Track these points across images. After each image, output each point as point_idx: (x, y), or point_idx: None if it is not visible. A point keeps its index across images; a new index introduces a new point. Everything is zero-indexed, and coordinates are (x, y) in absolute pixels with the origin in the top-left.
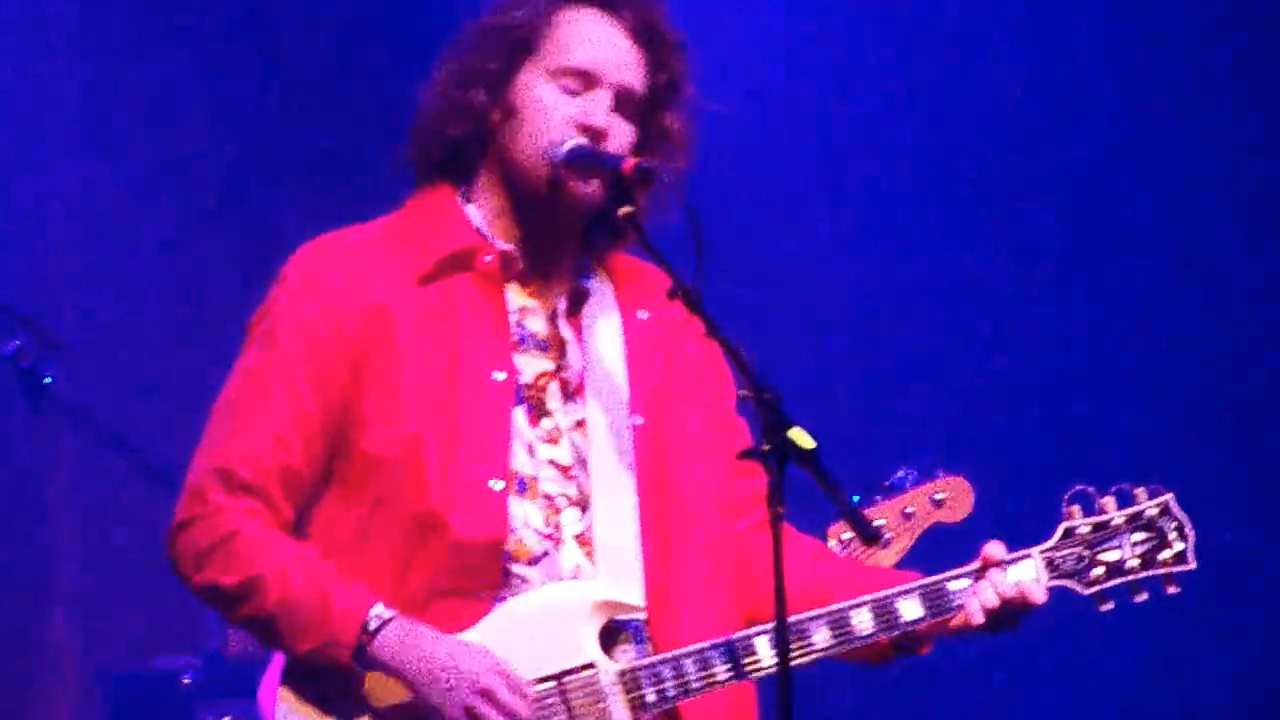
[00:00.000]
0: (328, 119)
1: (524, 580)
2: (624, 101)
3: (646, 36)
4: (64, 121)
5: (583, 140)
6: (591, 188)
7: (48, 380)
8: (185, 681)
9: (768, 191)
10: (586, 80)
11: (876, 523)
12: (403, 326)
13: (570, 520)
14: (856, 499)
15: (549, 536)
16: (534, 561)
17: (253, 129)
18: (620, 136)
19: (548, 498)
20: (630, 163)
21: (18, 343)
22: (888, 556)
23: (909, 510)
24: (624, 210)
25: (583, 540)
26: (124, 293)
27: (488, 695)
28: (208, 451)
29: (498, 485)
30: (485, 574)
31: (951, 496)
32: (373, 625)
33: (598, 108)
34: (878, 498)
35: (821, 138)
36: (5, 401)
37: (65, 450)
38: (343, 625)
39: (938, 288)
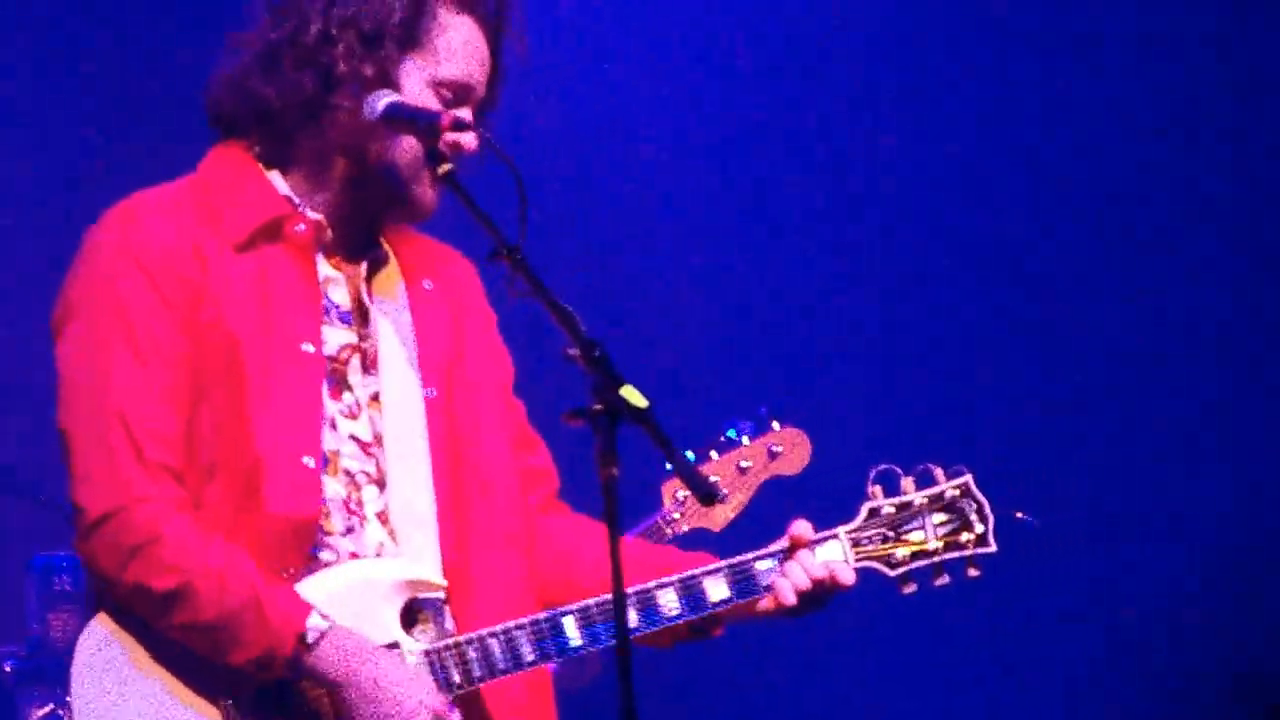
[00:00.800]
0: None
1: (333, 558)
2: (476, 108)
3: (496, 43)
4: None
5: (396, 95)
6: (409, 145)
7: None
8: (6, 669)
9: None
10: (459, 93)
11: (712, 479)
12: (223, 295)
13: (370, 497)
14: (691, 456)
15: (352, 514)
16: (341, 538)
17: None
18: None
19: (348, 474)
20: (448, 118)
21: None
22: (724, 512)
23: (745, 464)
24: (444, 168)
25: (384, 518)
26: None
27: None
28: (107, 432)
29: (310, 462)
30: (297, 552)
31: (788, 448)
32: (310, 637)
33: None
34: (713, 453)
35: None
36: None
37: None
38: (280, 638)
39: (766, 239)
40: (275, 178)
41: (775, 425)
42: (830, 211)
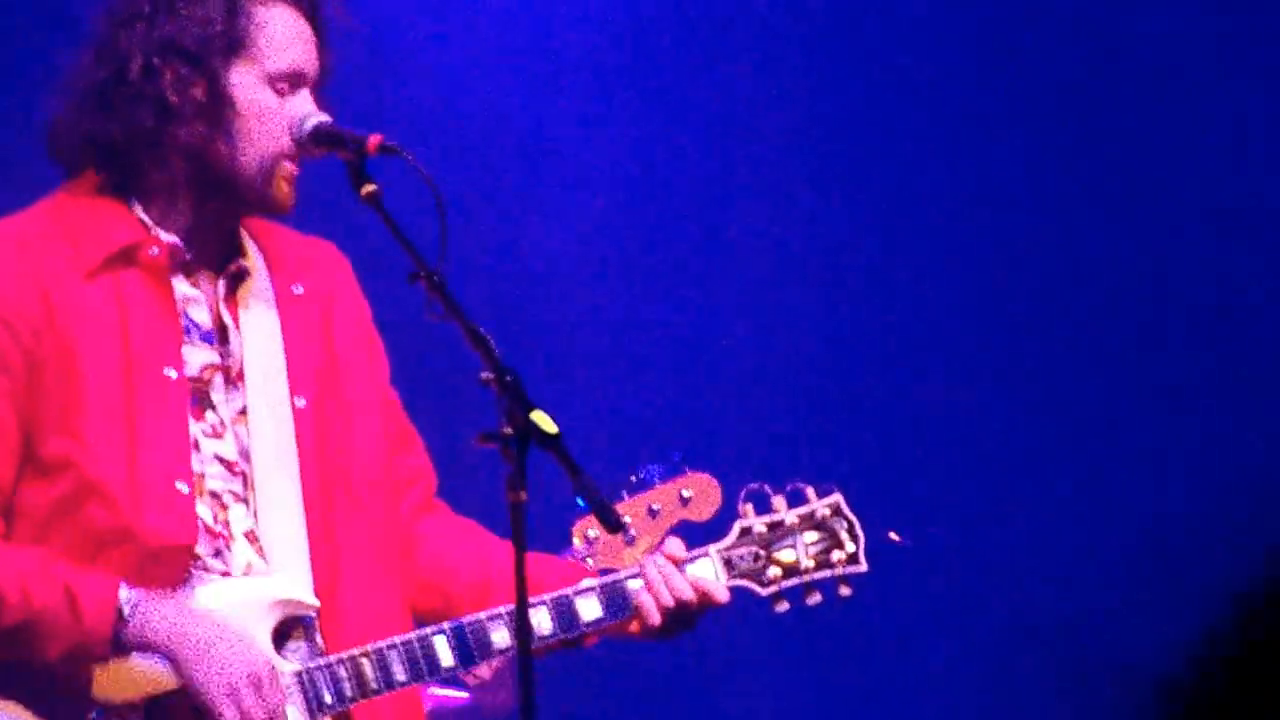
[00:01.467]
0: None
1: (202, 581)
2: (314, 88)
3: (318, 21)
4: None
5: (324, 117)
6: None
7: None
8: None
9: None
10: (294, 81)
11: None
12: (74, 324)
13: (238, 517)
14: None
15: (219, 535)
16: (215, 557)
17: None
18: None
19: (214, 495)
20: (375, 140)
21: None
22: (633, 554)
23: (655, 506)
24: (367, 189)
25: (252, 536)
26: None
27: (255, 684)
28: None
29: (184, 487)
30: (171, 577)
31: (699, 494)
32: (126, 610)
33: (307, 105)
34: (624, 493)
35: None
36: None
37: None
38: (96, 620)
39: (686, 276)
40: (132, 204)
41: (686, 470)
42: (753, 260)
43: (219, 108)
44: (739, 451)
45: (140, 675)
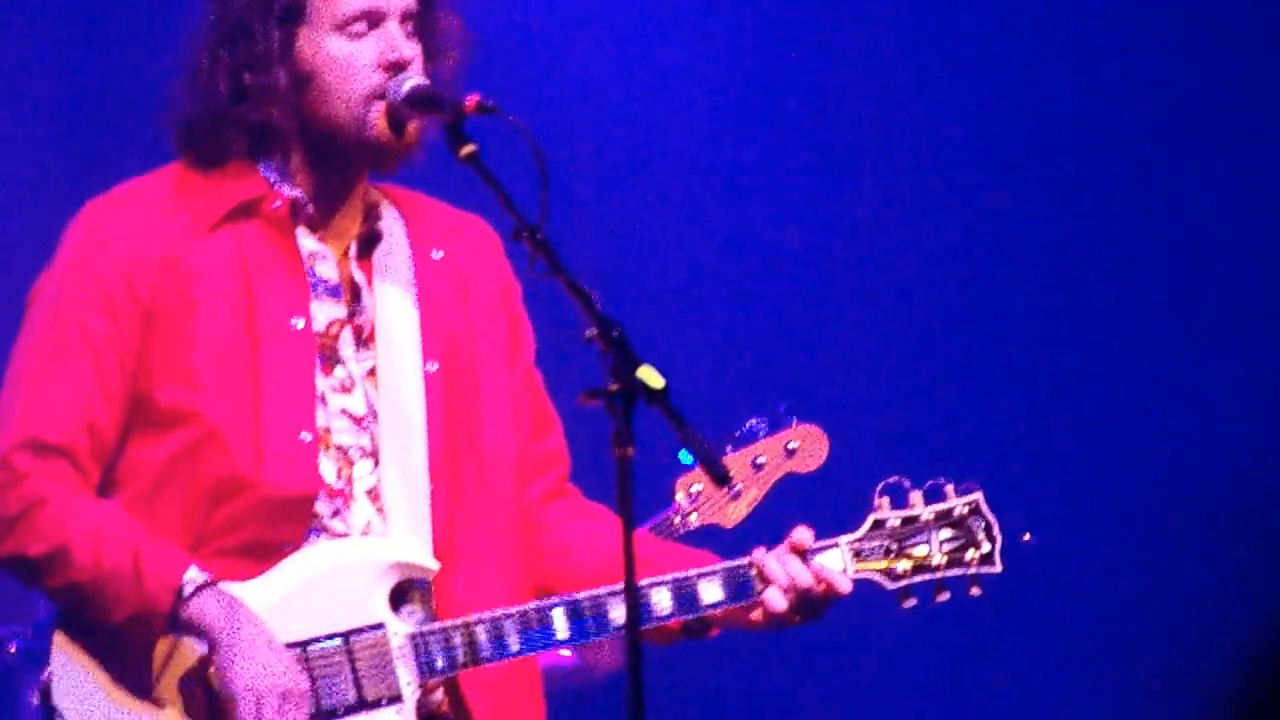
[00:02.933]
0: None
1: (322, 534)
2: (405, 21)
3: None
4: None
5: (422, 79)
6: (418, 125)
7: None
8: (11, 649)
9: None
10: (371, 19)
11: None
12: (195, 275)
13: (362, 474)
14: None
15: (339, 492)
16: (335, 515)
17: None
18: (416, 59)
19: (341, 450)
20: (473, 100)
21: None
22: (738, 508)
23: (760, 460)
24: (466, 150)
25: (374, 495)
26: None
27: (282, 696)
28: (7, 420)
29: (307, 437)
30: (292, 529)
31: (805, 445)
32: (186, 591)
33: (395, 41)
34: (728, 448)
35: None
36: None
37: None
38: (157, 592)
39: (793, 234)
40: (254, 162)
41: (793, 422)
42: (858, 210)
43: (296, 73)
44: (884, 436)
45: (184, 652)
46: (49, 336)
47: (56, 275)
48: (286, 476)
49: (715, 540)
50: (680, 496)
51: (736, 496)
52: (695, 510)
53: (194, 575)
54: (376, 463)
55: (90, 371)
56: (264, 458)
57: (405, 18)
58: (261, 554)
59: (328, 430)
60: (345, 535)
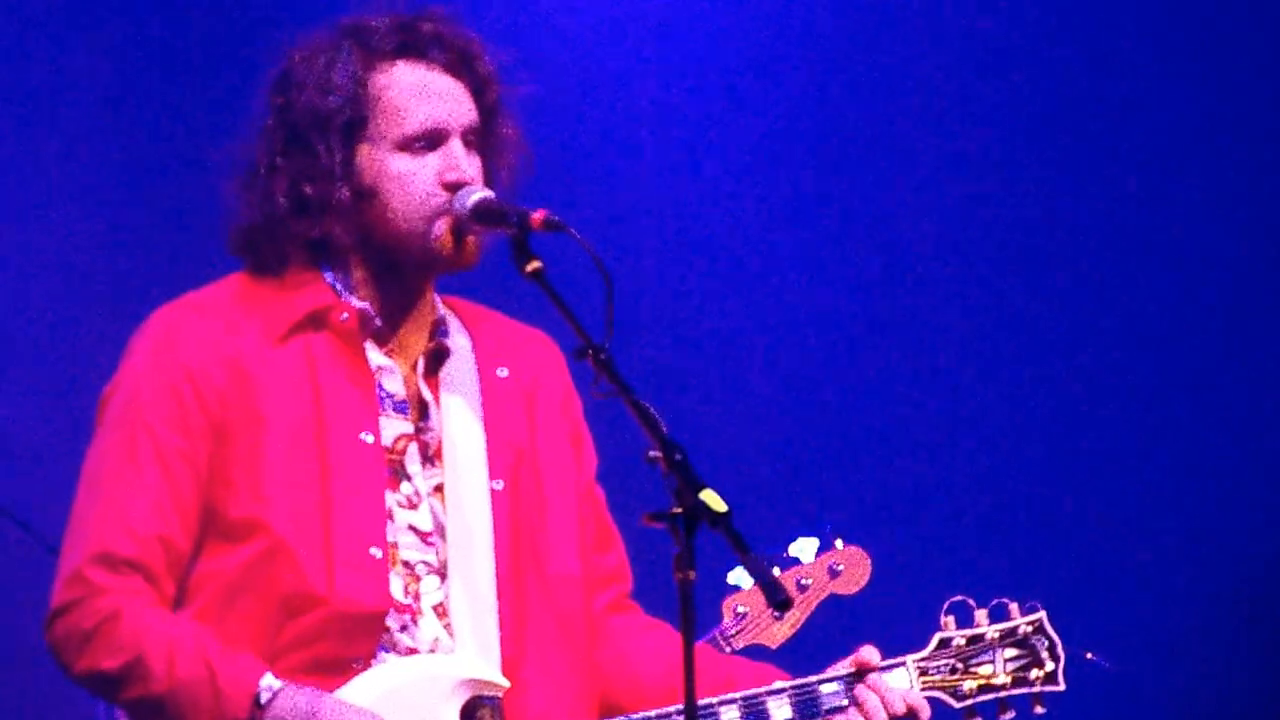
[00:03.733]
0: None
1: (392, 651)
2: (467, 136)
3: (461, 66)
4: None
5: (488, 193)
6: (479, 239)
7: None
8: None
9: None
10: (433, 138)
11: None
12: (264, 387)
13: (429, 589)
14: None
15: (407, 608)
16: (404, 629)
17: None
18: (476, 175)
19: (408, 565)
20: (539, 216)
21: None
22: (782, 629)
23: (805, 580)
24: (532, 266)
25: (441, 611)
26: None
27: None
28: (82, 532)
29: (378, 553)
30: (363, 645)
31: (849, 567)
32: (264, 698)
33: (455, 161)
34: (774, 569)
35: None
36: None
37: None
38: (233, 702)
39: (839, 349)
40: (325, 272)
41: (838, 543)
42: (904, 331)
43: (357, 188)
44: (891, 521)
45: None
46: (119, 449)
47: (125, 385)
48: (357, 592)
49: (759, 659)
50: (727, 616)
51: (781, 618)
52: (740, 631)
53: (270, 681)
54: (443, 579)
55: (162, 484)
56: (335, 573)
57: (468, 133)
58: (333, 670)
59: (394, 546)
60: (414, 651)
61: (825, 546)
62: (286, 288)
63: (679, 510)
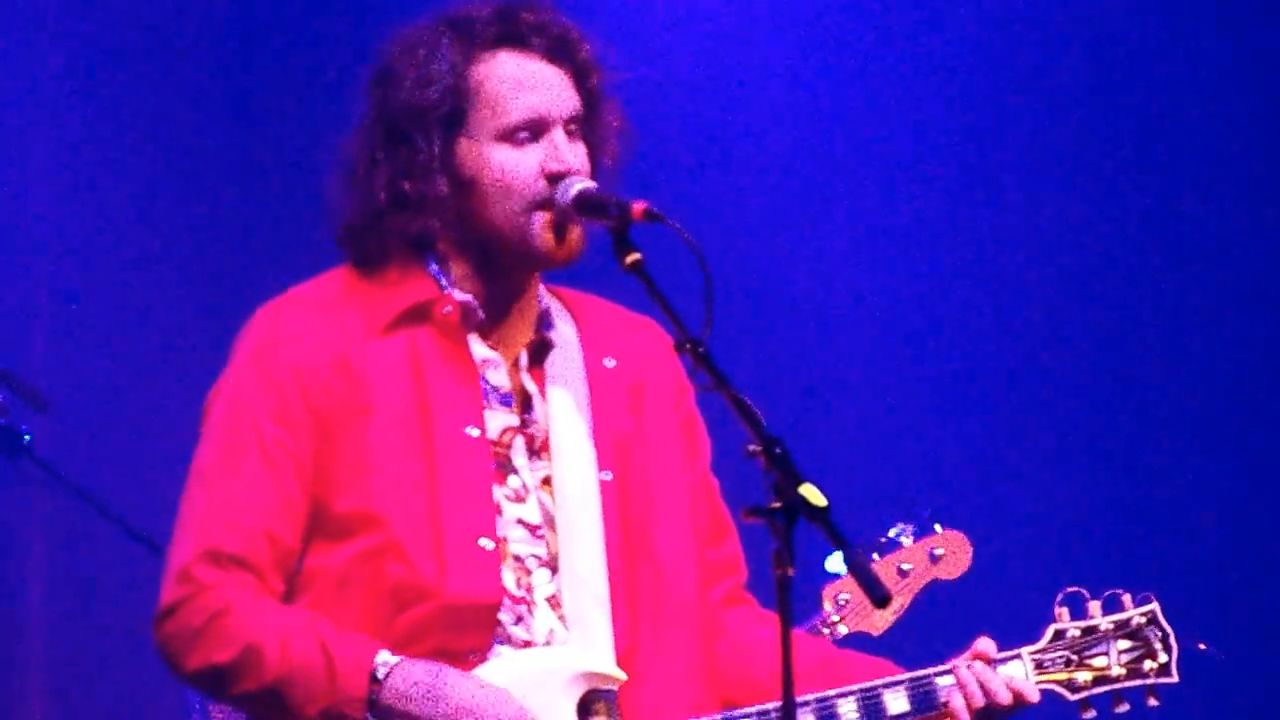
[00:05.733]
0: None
1: (516, 643)
2: (569, 125)
3: (562, 54)
4: (44, 163)
5: (589, 183)
6: (581, 231)
7: (27, 439)
8: None
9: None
10: (535, 128)
11: None
12: (369, 381)
13: (541, 582)
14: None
15: (520, 600)
16: (518, 622)
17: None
18: (580, 164)
19: (517, 559)
20: (640, 207)
21: None
22: (884, 616)
23: (905, 566)
24: (632, 258)
25: (554, 602)
26: (106, 345)
27: None
28: (190, 530)
29: (489, 545)
30: (477, 637)
31: (950, 552)
32: (380, 673)
33: (558, 151)
34: (874, 554)
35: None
36: None
37: (40, 513)
38: (350, 680)
39: (938, 338)
40: (429, 265)
41: (937, 528)
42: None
43: (456, 181)
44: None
45: None
46: (225, 445)
47: (231, 382)
48: (469, 585)
49: (860, 647)
50: (828, 605)
51: (884, 607)
52: (842, 618)
53: (386, 657)
54: (554, 571)
55: (268, 480)
56: (445, 566)
57: (570, 122)
58: (449, 661)
59: (504, 539)
60: (529, 643)
61: (925, 531)
62: (390, 281)
63: (778, 505)
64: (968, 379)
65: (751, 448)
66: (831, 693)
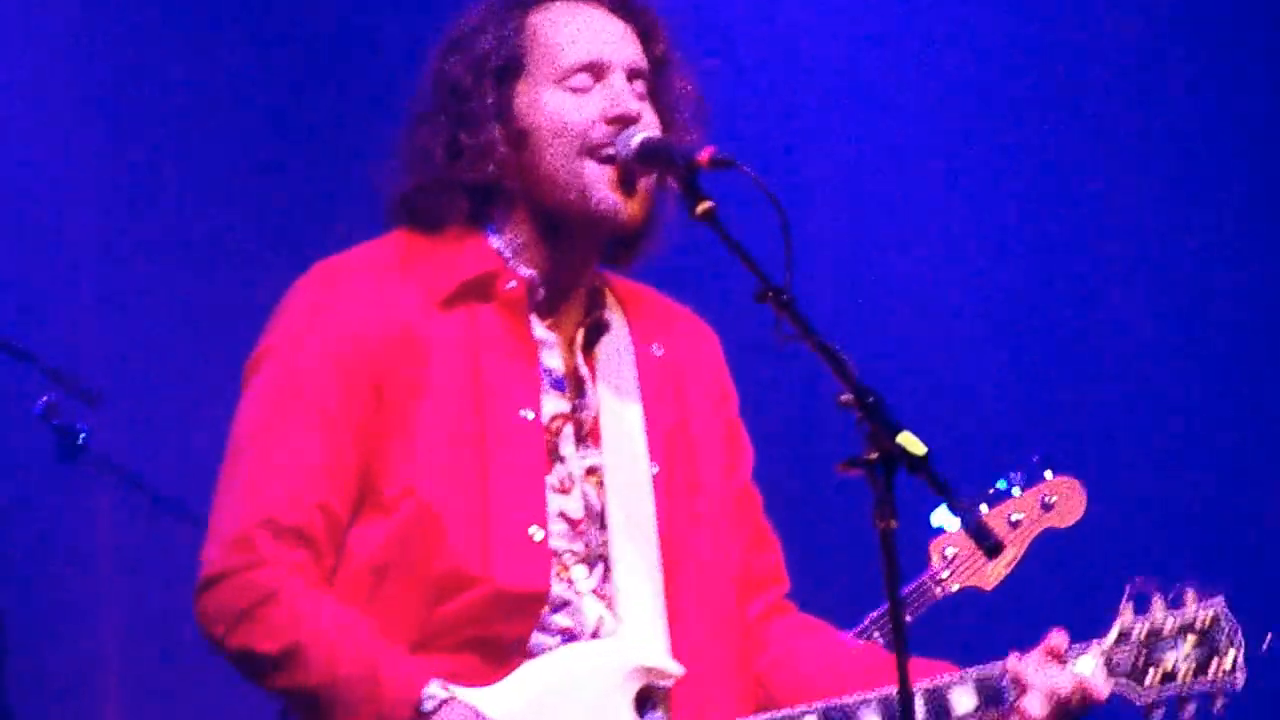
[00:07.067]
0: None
1: (553, 631)
2: (633, 78)
3: (626, 10)
4: (90, 159)
5: (653, 131)
6: (649, 184)
7: (82, 436)
8: None
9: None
10: (595, 71)
11: None
12: (427, 353)
13: (579, 577)
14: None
15: (566, 587)
16: (557, 611)
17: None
18: (648, 117)
19: (555, 554)
20: (707, 153)
21: (48, 398)
22: (997, 569)
23: (1016, 517)
24: (703, 206)
25: (599, 595)
26: (157, 335)
27: None
28: (244, 495)
29: (538, 534)
30: (521, 624)
31: (1062, 499)
32: (427, 706)
33: (620, 94)
34: (983, 505)
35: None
36: (38, 460)
37: (103, 508)
38: (395, 705)
39: (1045, 292)
40: (489, 234)
41: (1048, 474)
42: (1120, 253)
43: (513, 130)
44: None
45: None
46: (281, 408)
47: (284, 344)
48: (515, 573)
49: (974, 601)
50: (935, 560)
51: (995, 556)
52: (952, 573)
53: (435, 690)
54: (590, 567)
55: (325, 449)
56: (491, 552)
57: (634, 75)
58: (491, 650)
59: (546, 532)
60: (568, 631)
61: (1035, 479)
62: (450, 249)
63: (875, 455)
64: (1075, 330)
65: (843, 398)
66: (894, 690)
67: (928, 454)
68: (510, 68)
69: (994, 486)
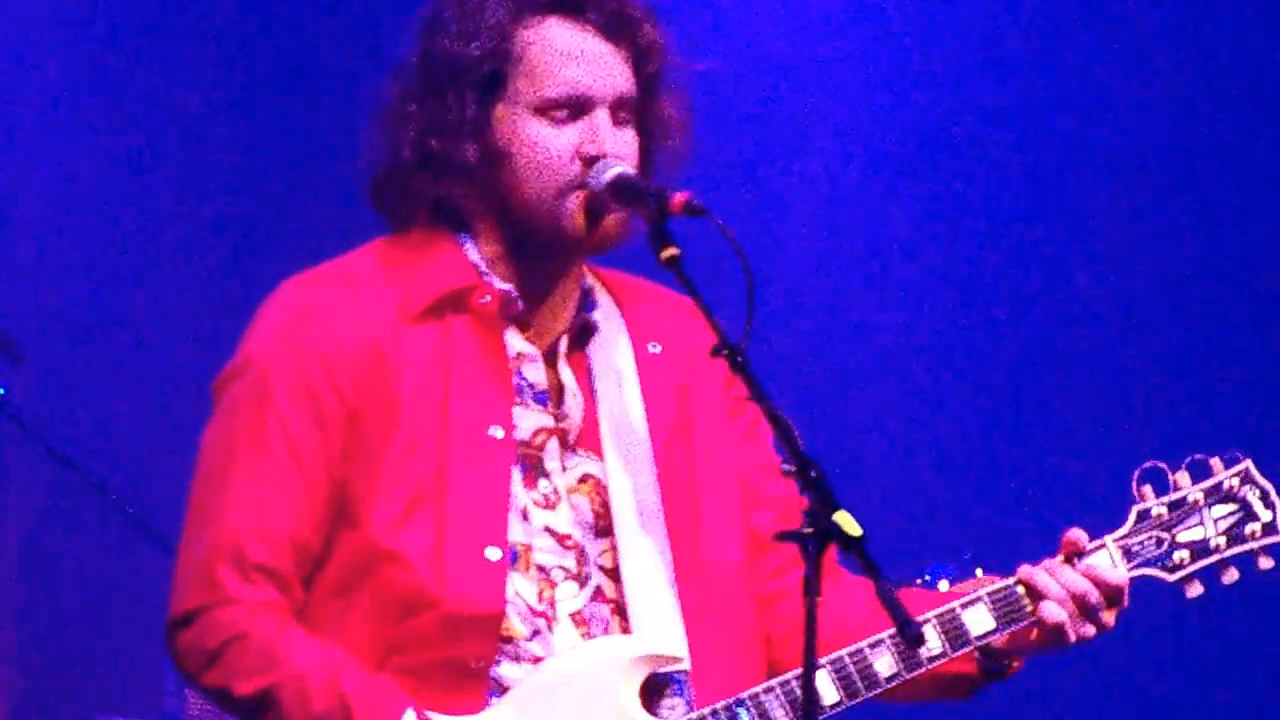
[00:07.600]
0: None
1: (517, 654)
2: (618, 109)
3: (620, 30)
4: (21, 107)
5: (627, 168)
6: (618, 218)
7: (1, 392)
8: None
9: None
10: (575, 106)
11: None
12: (399, 372)
13: (566, 595)
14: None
15: (540, 614)
16: (530, 638)
17: (237, 116)
18: (624, 152)
19: (542, 570)
20: (680, 199)
21: None
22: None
23: None
24: (668, 253)
25: (578, 619)
26: (89, 297)
27: None
28: (212, 528)
29: (494, 554)
30: (481, 646)
31: None
32: None
33: (597, 134)
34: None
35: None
36: None
37: (13, 473)
38: None
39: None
40: (465, 243)
41: (978, 573)
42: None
43: (487, 150)
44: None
45: None
46: (250, 438)
47: (255, 366)
48: (468, 595)
49: None
50: None
51: (917, 647)
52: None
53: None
54: (581, 585)
55: (295, 481)
56: (446, 575)
57: (619, 105)
58: (455, 672)
59: (528, 548)
60: (540, 660)
61: (964, 575)
62: (426, 261)
63: (810, 531)
64: (1028, 410)
65: (786, 468)
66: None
67: (862, 536)
68: (493, 82)
69: (923, 577)
